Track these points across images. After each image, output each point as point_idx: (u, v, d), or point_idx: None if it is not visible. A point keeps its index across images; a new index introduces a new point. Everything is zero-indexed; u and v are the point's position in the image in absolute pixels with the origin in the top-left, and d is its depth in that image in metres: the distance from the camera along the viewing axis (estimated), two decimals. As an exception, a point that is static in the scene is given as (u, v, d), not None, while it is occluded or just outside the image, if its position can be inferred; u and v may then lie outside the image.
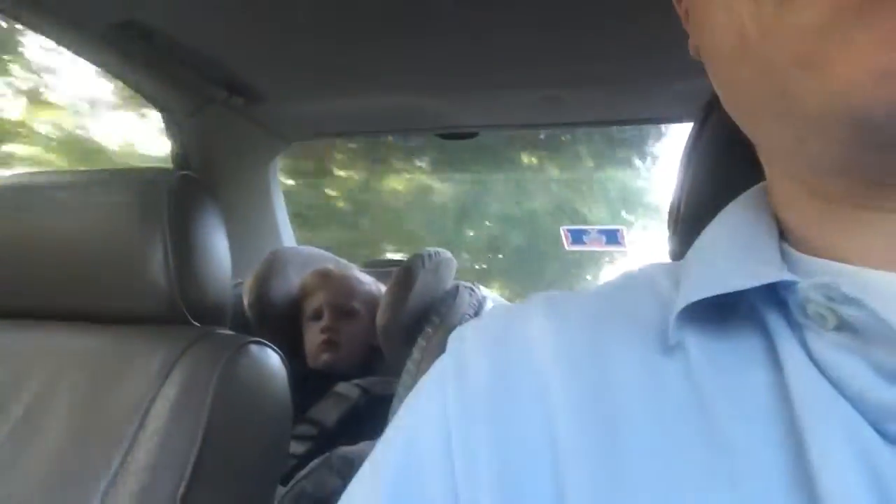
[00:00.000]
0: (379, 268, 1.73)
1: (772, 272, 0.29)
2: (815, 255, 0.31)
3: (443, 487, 0.32)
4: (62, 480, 0.75)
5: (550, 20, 1.05)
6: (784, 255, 0.32)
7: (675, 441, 0.29)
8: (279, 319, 1.54)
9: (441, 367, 0.37)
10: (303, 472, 1.10)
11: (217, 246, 0.93)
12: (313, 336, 1.49)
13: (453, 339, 0.39)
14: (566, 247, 2.03)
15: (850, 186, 0.28)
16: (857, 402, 0.26)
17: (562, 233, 2.00)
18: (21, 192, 0.92)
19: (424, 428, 0.35)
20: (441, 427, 0.34)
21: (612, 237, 1.98)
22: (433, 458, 0.33)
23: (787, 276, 0.29)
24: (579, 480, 0.30)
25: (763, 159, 0.34)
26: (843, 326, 0.27)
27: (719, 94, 0.32)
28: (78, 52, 1.21)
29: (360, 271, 1.64)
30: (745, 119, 0.31)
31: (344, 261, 1.74)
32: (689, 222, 0.53)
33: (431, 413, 0.35)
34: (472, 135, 1.69)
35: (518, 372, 0.34)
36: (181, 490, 0.73)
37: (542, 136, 2.79)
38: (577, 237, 2.01)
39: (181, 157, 1.58)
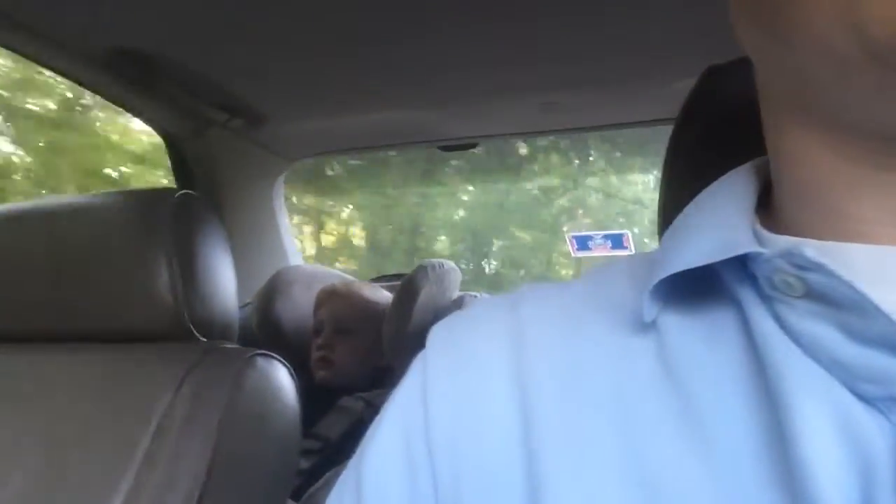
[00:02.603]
0: (386, 282, 1.74)
1: (739, 246, 0.30)
2: (788, 234, 0.31)
3: (423, 470, 0.34)
4: (77, 498, 0.76)
5: (545, 26, 1.06)
6: (756, 235, 0.32)
7: (645, 418, 0.30)
8: (287, 337, 1.54)
9: (420, 360, 0.39)
10: (317, 486, 1.10)
11: (221, 261, 0.93)
12: (313, 352, 1.50)
13: (432, 333, 0.40)
14: (573, 254, 2.03)
15: (884, 138, 0.26)
16: (830, 367, 0.27)
17: (567, 239, 2.00)
18: (27, 217, 0.94)
19: (405, 417, 0.36)
20: (419, 413, 0.35)
21: (618, 242, 1.97)
22: (413, 441, 0.35)
23: (753, 248, 0.29)
24: (551, 462, 0.31)
25: (773, 111, 0.32)
26: (810, 294, 0.27)
27: (743, 24, 0.29)
28: (75, 78, 1.23)
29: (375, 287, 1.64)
30: (775, 50, 0.27)
31: (351, 277, 1.75)
32: (674, 218, 0.53)
33: (411, 401, 0.37)
34: (472, 145, 1.70)
35: (492, 359, 0.36)
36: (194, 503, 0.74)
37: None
38: (583, 243, 2.00)
39: (184, 178, 1.59)
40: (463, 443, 0.33)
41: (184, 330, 0.87)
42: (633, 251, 1.98)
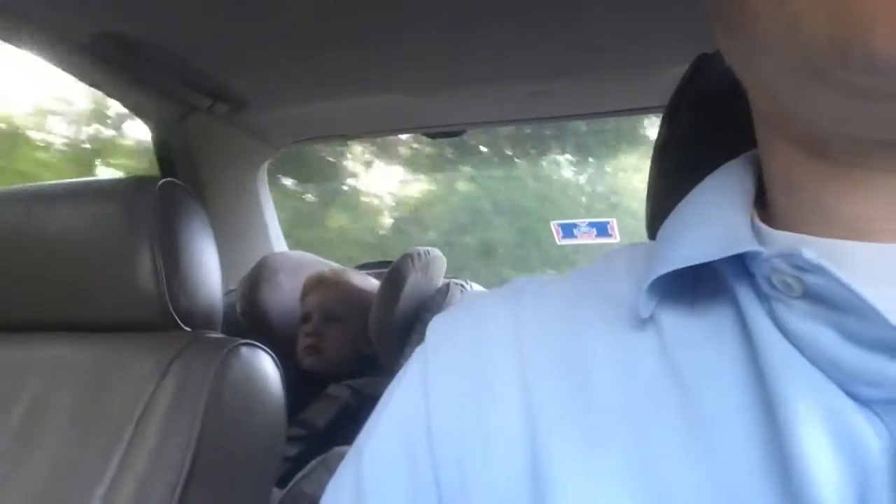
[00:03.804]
0: (372, 269, 1.73)
1: (738, 244, 0.29)
2: (787, 229, 0.31)
3: (425, 466, 0.34)
4: (60, 488, 0.75)
5: (534, 13, 1.05)
6: (754, 230, 0.31)
7: (648, 416, 0.30)
8: (272, 324, 1.54)
9: (420, 354, 0.38)
10: (301, 474, 1.10)
11: (205, 251, 0.93)
12: (301, 339, 1.50)
13: (432, 327, 0.40)
14: (557, 241, 2.03)
15: (850, 140, 0.26)
16: (827, 369, 0.26)
17: (552, 227, 2.00)
18: (8, 205, 0.92)
19: (405, 412, 0.36)
20: (420, 408, 0.35)
21: (603, 229, 1.97)
22: (414, 438, 0.35)
23: (752, 246, 0.29)
24: (556, 459, 0.30)
25: (757, 116, 0.33)
26: (808, 294, 0.27)
27: (721, 37, 0.30)
28: (58, 64, 1.21)
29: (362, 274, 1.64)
30: (747, 61, 0.28)
31: (336, 264, 1.74)
32: (664, 209, 0.53)
33: (412, 396, 0.36)
34: (459, 133, 1.69)
35: (494, 353, 0.35)
36: (177, 493, 0.73)
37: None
38: (568, 231, 2.00)
39: (168, 165, 1.58)
40: (466, 438, 0.33)
41: (167, 319, 0.86)
42: (618, 239, 1.98)
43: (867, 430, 0.25)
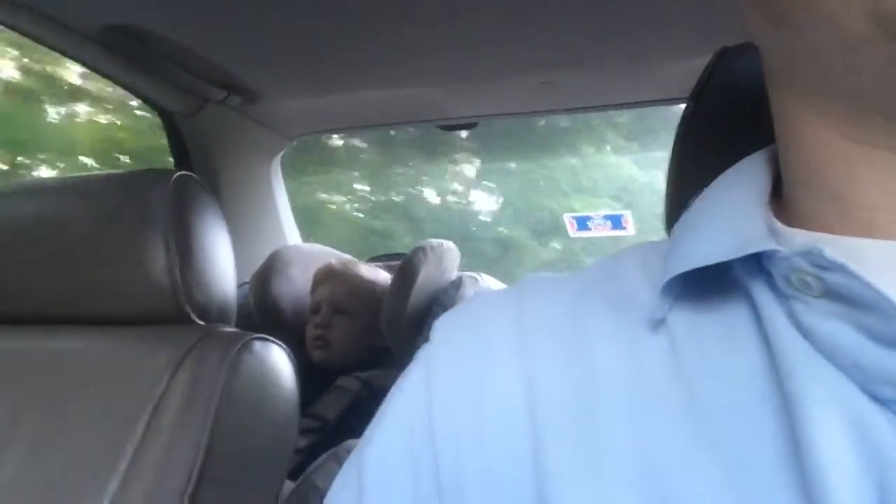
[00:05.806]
0: (383, 261, 1.73)
1: (755, 243, 0.29)
2: (803, 227, 0.30)
3: (427, 465, 0.33)
4: (73, 482, 0.75)
5: (546, 4, 1.05)
6: (770, 229, 0.31)
7: (656, 416, 0.30)
8: (284, 317, 1.54)
9: (425, 352, 0.38)
10: (312, 467, 1.10)
11: (219, 244, 0.93)
12: (310, 331, 1.50)
13: (436, 326, 0.39)
14: (571, 234, 2.02)
15: (892, 118, 0.26)
16: (846, 368, 0.26)
17: (566, 220, 1.99)
18: (23, 199, 0.93)
19: (408, 411, 0.36)
20: (423, 408, 0.35)
21: (617, 222, 1.97)
22: (417, 437, 0.34)
23: (770, 245, 0.28)
24: (558, 460, 0.30)
25: (787, 100, 0.31)
26: (828, 294, 0.26)
27: (753, 16, 0.30)
28: (72, 56, 1.21)
29: (373, 267, 1.64)
30: (790, 39, 0.27)
31: (348, 256, 1.74)
32: (683, 203, 0.52)
33: (415, 395, 0.36)
34: (472, 124, 1.68)
35: (498, 354, 0.35)
36: (190, 487, 0.73)
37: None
38: (582, 224, 2.00)
39: (182, 157, 1.58)
40: (467, 437, 0.33)
41: (181, 313, 0.86)
42: (633, 232, 1.98)
43: (887, 431, 0.25)
